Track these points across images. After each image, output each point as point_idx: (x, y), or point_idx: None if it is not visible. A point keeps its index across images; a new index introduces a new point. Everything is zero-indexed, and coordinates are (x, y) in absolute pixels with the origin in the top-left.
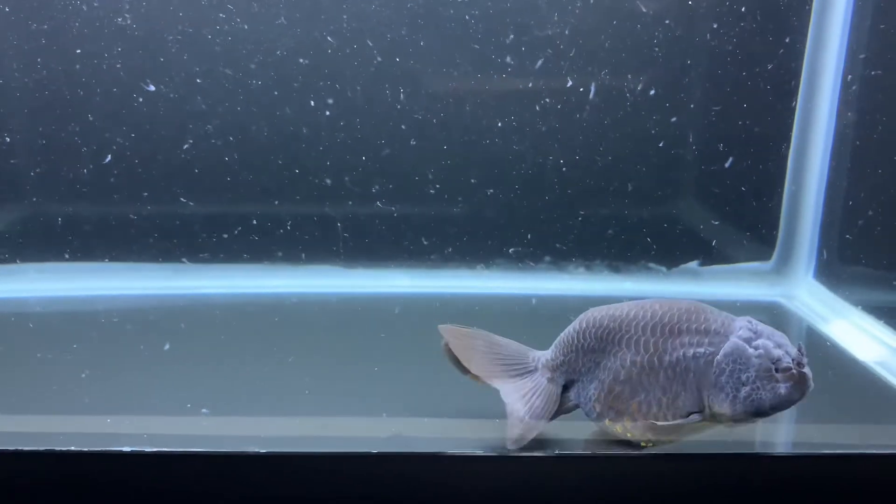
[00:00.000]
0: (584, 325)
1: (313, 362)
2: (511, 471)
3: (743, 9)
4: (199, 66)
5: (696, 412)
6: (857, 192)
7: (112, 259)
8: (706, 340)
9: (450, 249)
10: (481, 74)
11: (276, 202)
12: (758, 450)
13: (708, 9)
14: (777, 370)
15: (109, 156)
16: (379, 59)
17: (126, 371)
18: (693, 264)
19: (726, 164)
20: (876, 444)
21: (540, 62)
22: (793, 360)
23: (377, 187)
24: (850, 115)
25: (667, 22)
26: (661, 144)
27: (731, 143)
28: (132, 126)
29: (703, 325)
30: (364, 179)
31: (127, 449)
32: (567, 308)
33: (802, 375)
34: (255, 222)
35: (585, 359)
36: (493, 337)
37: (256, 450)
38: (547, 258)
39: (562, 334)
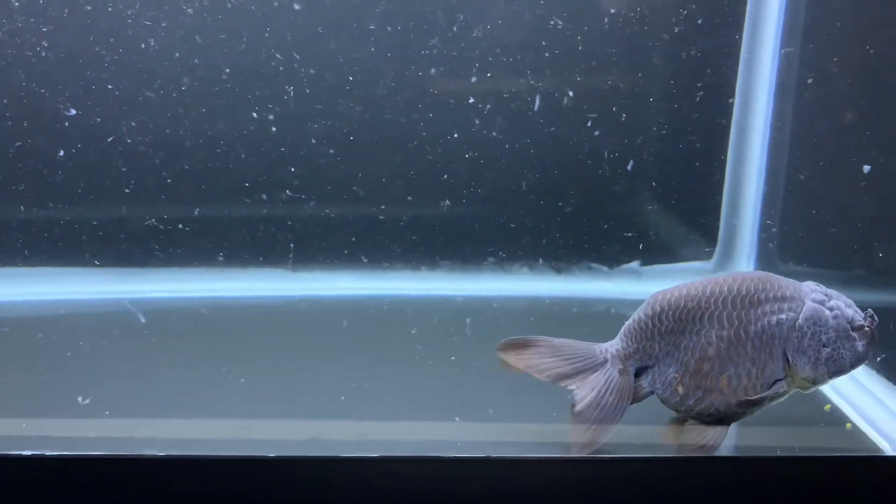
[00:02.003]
0: (660, 308)
1: (255, 365)
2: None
3: (680, 8)
4: (142, 72)
5: (780, 379)
6: (794, 193)
7: (55, 264)
8: (785, 306)
9: (393, 251)
10: (425, 77)
11: (221, 206)
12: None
13: (639, 6)
14: (853, 329)
15: (53, 160)
16: (313, 71)
17: (46, 374)
18: (635, 264)
19: (628, 167)
20: (802, 447)
21: (477, 66)
22: (863, 318)
23: (320, 190)
24: (785, 120)
25: (600, 21)
26: (600, 145)
27: (669, 144)
28: (76, 130)
29: (780, 292)
30: (307, 183)
31: (27, 453)
32: (511, 308)
33: (874, 332)
34: (199, 226)
35: (663, 342)
36: (552, 340)
37: (154, 453)
38: (490, 259)
39: (631, 322)
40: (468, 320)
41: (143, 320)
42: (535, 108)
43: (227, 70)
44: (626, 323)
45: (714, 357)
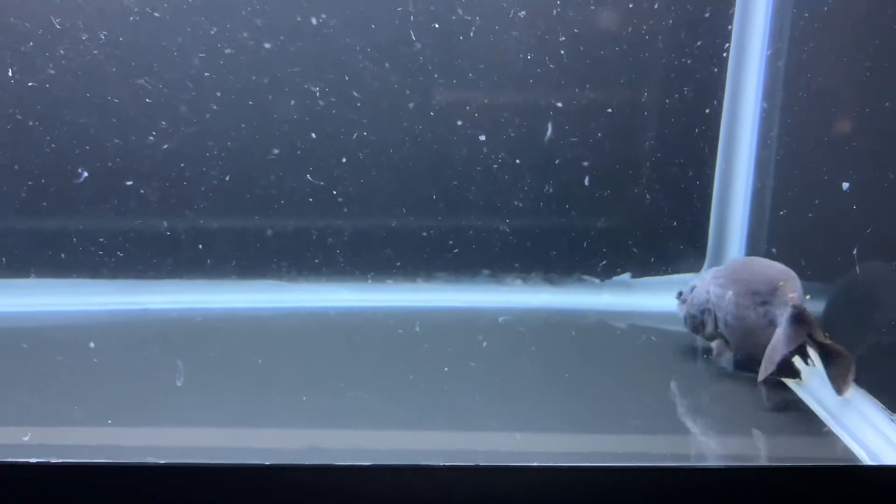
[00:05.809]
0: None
1: (254, 375)
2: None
3: (669, 20)
4: (148, 85)
5: None
6: (781, 204)
7: (57, 275)
8: None
9: (391, 262)
10: (425, 91)
11: (224, 217)
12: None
13: (629, 19)
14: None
15: (45, 171)
16: (315, 86)
17: (49, 384)
18: (626, 276)
19: (585, 182)
20: (779, 456)
21: (474, 76)
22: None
23: (319, 204)
24: (773, 131)
25: (595, 39)
26: (591, 158)
27: (660, 159)
28: (66, 140)
29: None
30: (307, 197)
31: (33, 461)
32: (505, 319)
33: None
34: (198, 237)
35: None
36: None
37: (154, 461)
38: (485, 271)
39: (797, 291)
40: (462, 331)
41: (178, 383)
42: (522, 112)
43: (229, 83)
44: (794, 291)
45: None
